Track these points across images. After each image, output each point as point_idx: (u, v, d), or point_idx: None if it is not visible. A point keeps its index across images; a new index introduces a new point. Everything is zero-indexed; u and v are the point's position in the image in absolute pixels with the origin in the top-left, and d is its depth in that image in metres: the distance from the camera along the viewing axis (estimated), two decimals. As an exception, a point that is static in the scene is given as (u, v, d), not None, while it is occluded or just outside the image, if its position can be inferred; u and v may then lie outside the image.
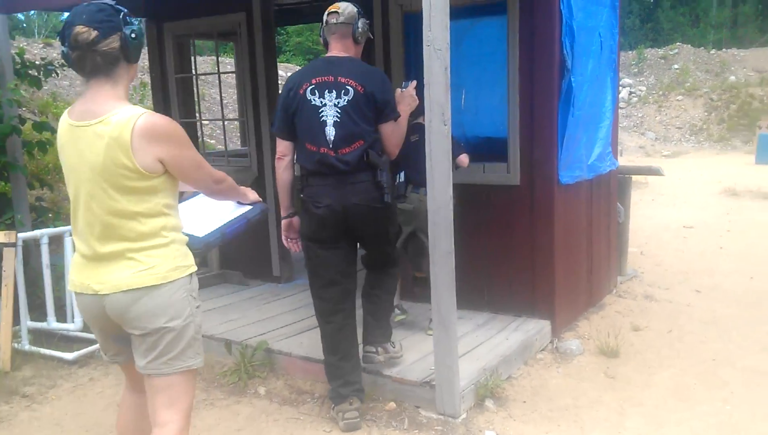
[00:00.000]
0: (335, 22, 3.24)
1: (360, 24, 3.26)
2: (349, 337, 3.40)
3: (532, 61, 4.12)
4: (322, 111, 3.17)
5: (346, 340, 3.39)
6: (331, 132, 3.16)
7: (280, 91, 5.48)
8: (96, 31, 2.03)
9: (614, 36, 4.93)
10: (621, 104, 19.69)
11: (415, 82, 3.41)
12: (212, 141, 13.43)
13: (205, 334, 4.34)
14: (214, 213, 2.53)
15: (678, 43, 26.77)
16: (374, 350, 3.57)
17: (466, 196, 4.18)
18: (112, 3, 2.11)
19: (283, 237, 3.51)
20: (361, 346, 3.56)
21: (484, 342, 3.99)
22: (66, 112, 2.19)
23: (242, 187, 2.60)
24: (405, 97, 3.42)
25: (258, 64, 5.27)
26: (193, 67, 6.05)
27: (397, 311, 4.17)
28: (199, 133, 6.17)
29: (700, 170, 13.96)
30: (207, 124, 14.05)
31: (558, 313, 4.30)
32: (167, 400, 2.23)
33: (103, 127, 2.05)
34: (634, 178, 6.14)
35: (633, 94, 23.10)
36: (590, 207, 4.78)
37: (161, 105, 5.92)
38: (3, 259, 4.38)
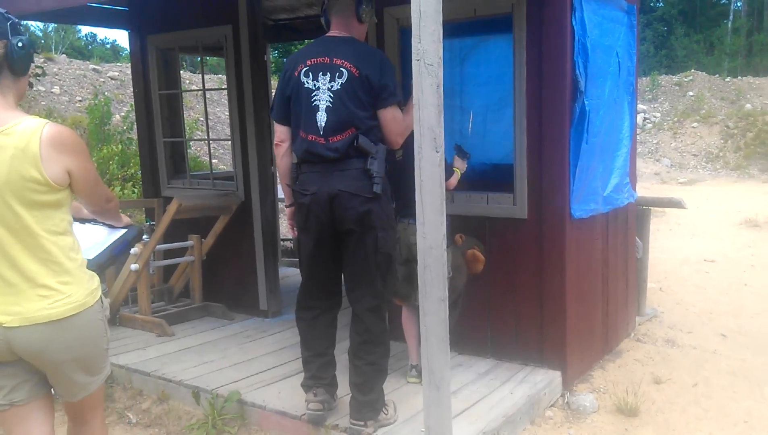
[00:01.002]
0: None
1: (365, 1, 2.99)
2: (320, 335, 3.21)
3: (542, 81, 3.71)
4: (315, 95, 2.96)
5: (318, 339, 3.21)
6: (322, 118, 2.92)
7: (270, 112, 5.18)
8: None
9: (632, 57, 4.51)
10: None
11: None
12: (215, 161, 12.99)
13: (173, 380, 3.94)
14: (89, 236, 2.45)
15: (693, 70, 26.38)
16: (362, 424, 3.11)
17: (466, 229, 3.78)
18: (2, 10, 2.00)
19: (288, 225, 3.37)
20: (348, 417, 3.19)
21: (485, 396, 3.51)
22: None
23: None
24: None
25: (245, 81, 4.87)
26: (180, 84, 5.68)
27: (413, 373, 3.69)
28: (200, 153, 5.78)
29: (718, 199, 13.41)
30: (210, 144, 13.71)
31: (570, 362, 3.82)
32: (90, 406, 2.30)
33: (4, 137, 1.93)
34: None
35: (647, 121, 22.68)
36: (606, 243, 4.31)
37: (144, 122, 5.55)
38: None
